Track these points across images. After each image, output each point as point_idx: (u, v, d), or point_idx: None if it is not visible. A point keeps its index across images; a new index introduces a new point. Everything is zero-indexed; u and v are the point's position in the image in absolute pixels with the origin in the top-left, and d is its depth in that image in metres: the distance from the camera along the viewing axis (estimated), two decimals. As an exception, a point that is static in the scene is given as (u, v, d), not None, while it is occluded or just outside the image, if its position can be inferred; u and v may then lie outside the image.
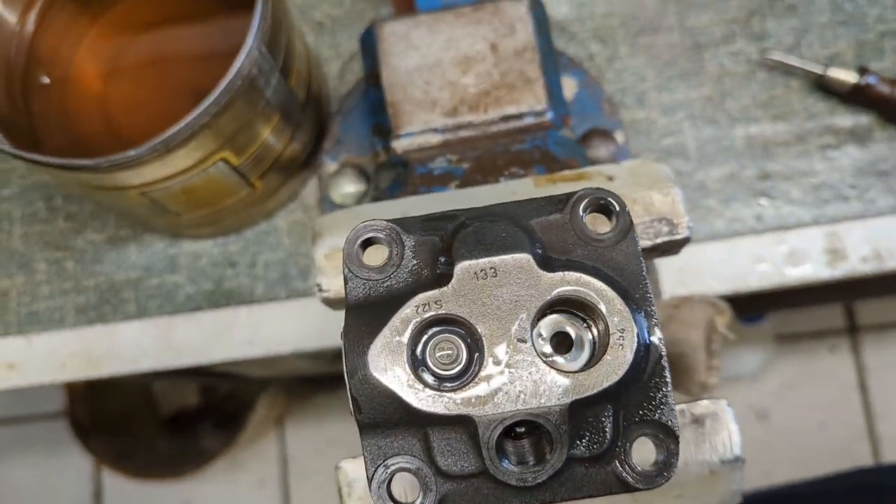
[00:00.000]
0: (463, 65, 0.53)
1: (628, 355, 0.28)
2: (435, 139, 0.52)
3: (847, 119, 0.67)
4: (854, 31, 0.68)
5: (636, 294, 0.30)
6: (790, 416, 1.61)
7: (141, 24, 0.63)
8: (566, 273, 0.29)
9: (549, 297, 0.29)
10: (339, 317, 0.35)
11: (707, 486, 0.39)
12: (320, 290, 0.41)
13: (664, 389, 0.30)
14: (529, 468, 0.28)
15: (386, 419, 0.29)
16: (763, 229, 0.66)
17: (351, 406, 0.29)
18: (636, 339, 0.29)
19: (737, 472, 0.39)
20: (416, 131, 0.52)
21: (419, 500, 0.29)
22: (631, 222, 0.31)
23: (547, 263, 0.30)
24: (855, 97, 0.66)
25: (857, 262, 0.65)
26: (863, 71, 0.65)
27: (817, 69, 0.66)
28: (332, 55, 0.72)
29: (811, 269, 0.65)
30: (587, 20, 0.71)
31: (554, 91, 0.53)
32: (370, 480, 0.29)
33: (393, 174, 0.51)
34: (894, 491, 0.72)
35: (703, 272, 0.65)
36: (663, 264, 0.64)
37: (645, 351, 0.29)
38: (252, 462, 1.73)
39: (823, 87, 0.67)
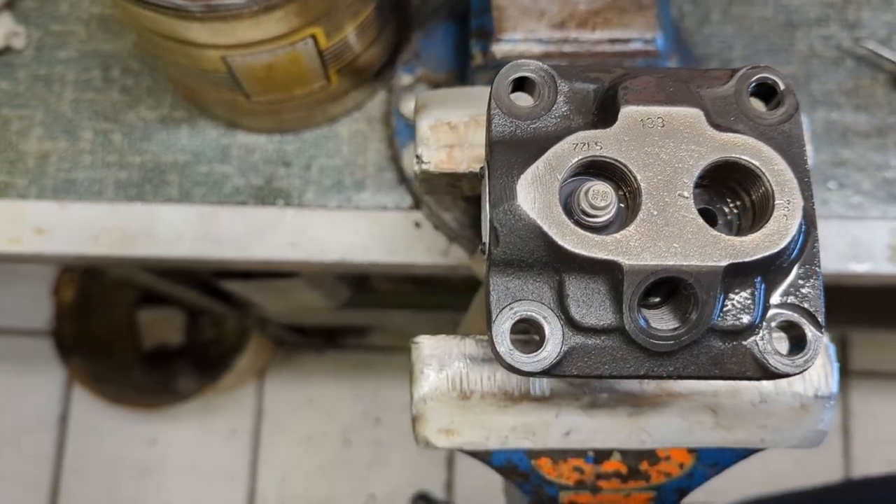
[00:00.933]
0: (577, -20, 0.51)
1: (793, 226, 0.27)
2: (536, 49, 0.50)
3: (929, 119, 0.66)
4: (947, 35, 0.67)
5: (798, 177, 0.29)
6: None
7: None
8: (737, 135, 0.28)
9: (719, 156, 0.27)
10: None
11: (794, 420, 0.37)
12: (420, 161, 0.39)
13: (814, 280, 0.28)
14: (668, 330, 0.27)
15: (523, 258, 0.27)
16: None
17: (488, 239, 0.28)
18: (801, 212, 0.27)
19: (827, 410, 0.37)
20: (518, 38, 0.50)
21: (545, 349, 0.27)
22: (797, 104, 0.30)
23: (717, 126, 0.28)
24: (941, 98, 0.65)
25: (919, 261, 0.63)
26: (954, 72, 0.64)
27: (908, 64, 0.65)
28: (417, -28, 0.70)
29: (872, 264, 0.64)
30: (682, -19, 0.69)
31: (664, 22, 0.51)
32: (491, 323, 0.27)
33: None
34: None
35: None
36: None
37: (804, 233, 0.28)
38: (226, 410, 1.70)
39: (911, 83, 0.66)
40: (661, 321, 0.28)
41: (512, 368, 0.27)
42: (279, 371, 1.73)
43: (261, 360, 1.68)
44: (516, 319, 0.27)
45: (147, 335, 1.75)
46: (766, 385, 0.37)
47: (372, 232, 0.65)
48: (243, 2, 0.46)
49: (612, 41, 0.51)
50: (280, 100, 0.60)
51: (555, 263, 0.27)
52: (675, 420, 0.37)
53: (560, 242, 0.26)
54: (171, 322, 1.75)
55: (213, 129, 0.67)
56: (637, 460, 0.38)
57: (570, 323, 0.27)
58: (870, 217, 0.65)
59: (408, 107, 0.64)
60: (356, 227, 0.65)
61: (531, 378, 0.33)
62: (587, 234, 0.27)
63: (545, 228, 0.26)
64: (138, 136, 0.67)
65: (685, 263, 0.26)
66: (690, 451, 0.39)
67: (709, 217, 0.28)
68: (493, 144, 0.29)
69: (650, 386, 0.37)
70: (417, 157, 0.39)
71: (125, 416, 1.65)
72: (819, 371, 0.37)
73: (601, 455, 0.38)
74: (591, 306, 0.27)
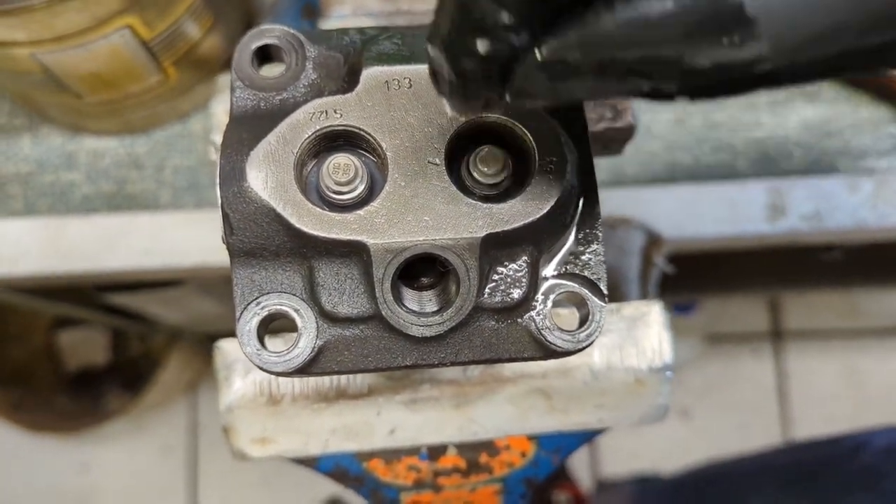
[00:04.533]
0: (405, -52, 0.48)
1: (556, 188, 0.24)
2: (367, 23, 0.47)
3: (799, 74, 0.65)
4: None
5: (572, 130, 0.26)
6: (711, 416, 1.61)
7: None
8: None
9: (467, 118, 0.24)
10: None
11: (631, 396, 0.35)
12: (217, 149, 0.36)
13: (595, 245, 0.26)
14: (430, 314, 0.24)
15: (264, 245, 0.24)
16: (706, 178, 0.63)
17: (223, 225, 0.24)
18: (567, 173, 0.24)
19: (665, 382, 0.35)
20: (347, 13, 0.47)
21: (297, 346, 0.24)
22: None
23: (472, 84, 0.25)
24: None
25: (797, 219, 0.62)
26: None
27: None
28: (269, -43, 0.66)
29: (751, 224, 0.63)
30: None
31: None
32: (237, 320, 0.24)
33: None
34: (833, 465, 0.71)
35: (639, 215, 0.62)
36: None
37: (575, 195, 0.25)
38: (158, 426, 1.65)
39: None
40: (428, 304, 0.25)
41: (263, 370, 0.24)
42: (212, 383, 1.68)
43: (189, 373, 1.62)
44: (264, 315, 0.24)
45: (70, 357, 1.68)
46: (597, 361, 0.34)
47: (234, 232, 0.61)
48: (29, -9, 0.42)
49: (447, 10, 0.48)
50: (117, 99, 0.56)
51: (300, 249, 0.24)
52: (506, 408, 0.35)
53: (297, 225, 0.23)
54: (94, 341, 1.69)
55: (57, 136, 0.63)
56: (475, 453, 0.36)
57: (324, 314, 0.24)
58: (746, 177, 0.63)
59: (260, 97, 0.60)
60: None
61: (339, 375, 0.30)
62: (328, 213, 0.24)
63: (279, 210, 0.23)
64: (-25, 149, 0.62)
65: (437, 238, 0.24)
66: (530, 438, 0.36)
67: (469, 187, 0.26)
68: (231, 121, 0.25)
69: (475, 372, 0.34)
70: (213, 143, 0.36)
71: (52, 444, 1.59)
72: (653, 341, 0.35)
73: (435, 451, 0.35)
74: (345, 294, 0.24)
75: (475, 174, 0.24)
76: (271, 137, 0.24)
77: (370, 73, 0.25)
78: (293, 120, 0.24)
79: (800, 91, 0.64)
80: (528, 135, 0.24)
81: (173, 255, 0.61)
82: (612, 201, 0.62)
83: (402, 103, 0.25)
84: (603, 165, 0.63)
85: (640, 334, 0.35)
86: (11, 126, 0.63)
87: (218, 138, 0.36)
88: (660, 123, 0.64)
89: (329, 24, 0.48)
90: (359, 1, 0.48)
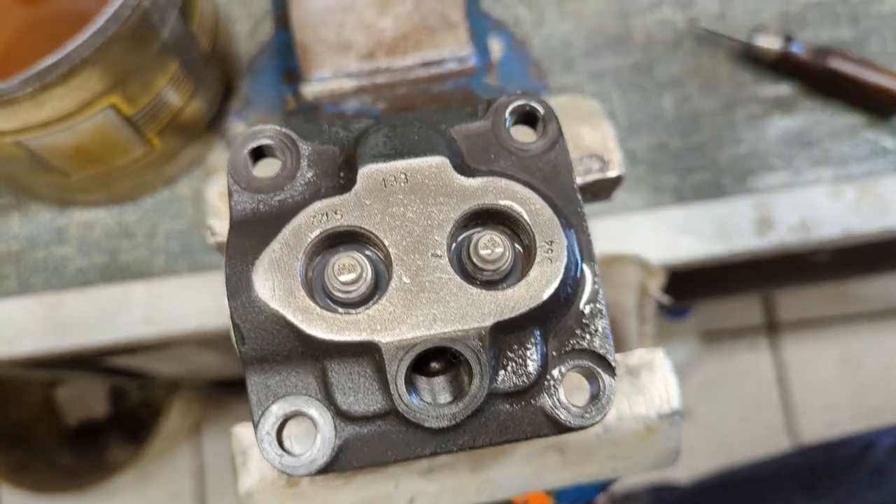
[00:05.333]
0: (380, 6, 0.49)
1: (558, 270, 0.25)
2: (348, 84, 0.48)
3: (772, 89, 0.66)
4: (777, 3, 0.67)
5: (567, 209, 0.26)
6: (713, 413, 1.62)
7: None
8: (488, 179, 0.25)
9: (469, 206, 0.25)
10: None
11: (643, 444, 0.36)
12: (212, 234, 0.36)
13: (600, 317, 0.26)
14: (445, 405, 0.24)
15: (276, 351, 0.25)
16: (693, 198, 0.64)
17: (233, 336, 0.25)
18: (566, 253, 0.25)
19: (675, 427, 0.36)
20: (327, 76, 0.48)
21: (315, 449, 0.24)
22: (560, 130, 0.27)
23: (467, 170, 0.26)
24: (780, 66, 0.65)
25: (785, 231, 0.63)
26: (788, 39, 0.64)
27: (743, 37, 0.65)
28: (243, 14, 0.67)
29: (741, 240, 0.63)
30: (513, -16, 0.68)
31: (478, 37, 0.49)
32: (256, 426, 0.25)
33: (303, 120, 0.47)
34: (844, 466, 0.71)
35: (630, 242, 0.63)
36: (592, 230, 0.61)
37: (577, 270, 0.26)
38: (164, 475, 1.63)
39: (750, 55, 0.66)
40: (442, 393, 0.25)
41: (286, 474, 0.24)
42: (215, 424, 1.67)
43: (191, 418, 1.62)
44: (282, 419, 0.25)
45: (69, 412, 1.67)
46: (608, 414, 0.35)
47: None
48: (14, 86, 0.42)
49: (426, 64, 0.48)
50: (103, 173, 0.57)
51: (313, 352, 0.24)
52: (521, 467, 0.35)
53: (308, 331, 0.24)
54: (92, 394, 1.67)
55: (45, 212, 0.63)
56: (494, 511, 0.36)
57: (340, 413, 0.25)
58: (732, 194, 0.64)
59: (246, 157, 0.61)
60: (213, 290, 0.62)
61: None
62: (337, 315, 0.24)
63: (290, 318, 0.24)
64: (-36, 231, 0.62)
65: (447, 330, 0.24)
66: (548, 492, 0.37)
67: (490, 258, 0.26)
68: (232, 227, 0.26)
69: (488, 435, 0.34)
70: (209, 228, 0.36)
71: (58, 499, 1.57)
72: (659, 388, 0.35)
73: (455, 513, 0.36)
74: (360, 392, 0.25)
75: (476, 261, 0.25)
76: (275, 245, 0.24)
77: (366, 172, 0.25)
78: (295, 225, 0.24)
79: (777, 104, 0.65)
80: (526, 218, 0.25)
81: (172, 322, 0.61)
82: (602, 231, 0.62)
83: (399, 199, 0.25)
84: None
85: (647, 382, 0.35)
86: (-1, 205, 0.63)
87: (213, 222, 0.36)
88: (642, 148, 0.64)
89: (310, 87, 0.48)
90: (338, 62, 0.48)
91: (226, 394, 1.60)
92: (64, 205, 0.62)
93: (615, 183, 0.38)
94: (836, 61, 0.63)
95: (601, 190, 0.39)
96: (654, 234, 0.63)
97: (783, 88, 0.66)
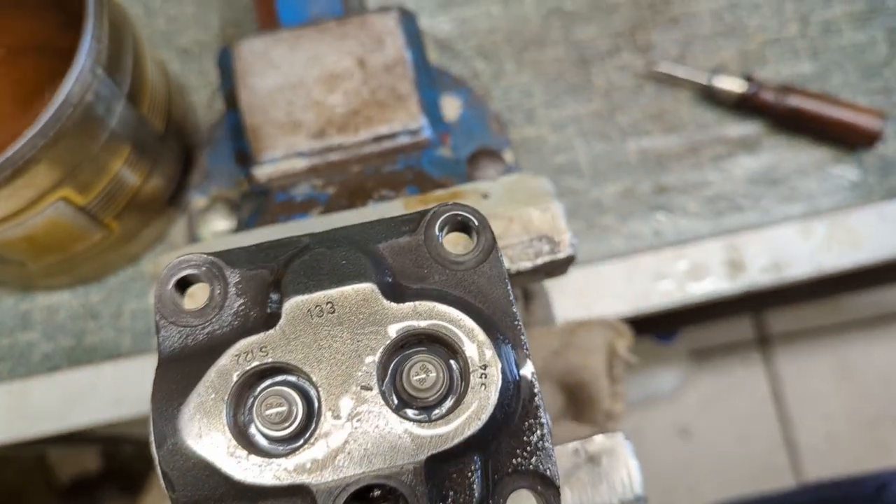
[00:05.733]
0: (329, 83, 0.48)
1: (492, 397, 0.24)
2: (300, 164, 0.47)
3: (736, 129, 0.65)
4: (736, 42, 0.67)
5: (503, 323, 0.26)
6: (711, 432, 1.61)
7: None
8: (418, 303, 0.25)
9: (396, 334, 0.24)
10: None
11: (608, 532, 0.35)
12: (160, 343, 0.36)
13: (539, 432, 0.25)
14: (385, 541, 0.23)
15: (208, 496, 0.24)
16: (662, 245, 0.63)
17: (162, 483, 0.24)
18: (501, 377, 0.24)
19: (639, 513, 0.35)
20: (279, 157, 0.47)
21: None
22: (493, 240, 0.27)
23: (397, 293, 0.25)
24: (743, 106, 0.64)
25: (757, 273, 0.63)
26: (748, 79, 0.64)
27: (703, 79, 0.64)
28: (201, 83, 0.67)
29: (712, 283, 0.63)
30: (470, 37, 0.68)
31: (429, 107, 0.49)
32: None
33: (253, 205, 0.46)
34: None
35: (603, 293, 0.62)
36: (559, 287, 0.60)
37: (514, 389, 0.25)
38: (162, 525, 1.61)
39: (711, 97, 0.65)
40: (383, 524, 0.24)
41: None
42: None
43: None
44: (216, 567, 0.24)
45: (62, 471, 1.64)
46: (570, 503, 0.34)
47: (201, 367, 0.60)
48: (-46, 192, 0.41)
49: (378, 139, 0.48)
50: (62, 259, 0.56)
51: (245, 495, 0.24)
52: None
53: (237, 477, 0.23)
54: (84, 450, 1.65)
55: (7, 297, 0.62)
56: None
57: (277, 557, 0.24)
58: (702, 237, 0.64)
59: (207, 231, 0.60)
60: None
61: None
62: (266, 459, 0.23)
63: (217, 464, 0.23)
64: (-73, 322, 0.61)
65: (381, 466, 0.23)
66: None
67: (423, 385, 0.25)
68: (159, 365, 0.25)
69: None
70: (157, 337, 0.35)
71: (54, 561, 1.54)
72: (621, 474, 0.35)
73: None
74: (296, 533, 0.24)
75: (409, 388, 0.24)
76: (200, 388, 0.24)
77: (292, 304, 0.25)
78: (220, 366, 0.24)
79: (741, 143, 0.65)
80: (458, 343, 0.24)
81: (143, 402, 0.60)
82: (573, 282, 0.62)
83: (326, 331, 0.24)
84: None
85: (608, 469, 0.35)
86: (-39, 293, 0.62)
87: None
88: (609, 196, 0.64)
89: (262, 169, 0.48)
90: (289, 142, 0.48)
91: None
92: (26, 290, 0.61)
93: (566, 262, 0.38)
94: (797, 99, 0.63)
95: (553, 269, 0.38)
96: (626, 283, 0.62)
97: (747, 127, 0.65)
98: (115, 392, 0.60)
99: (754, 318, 1.64)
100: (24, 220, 0.47)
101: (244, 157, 0.49)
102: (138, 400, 0.60)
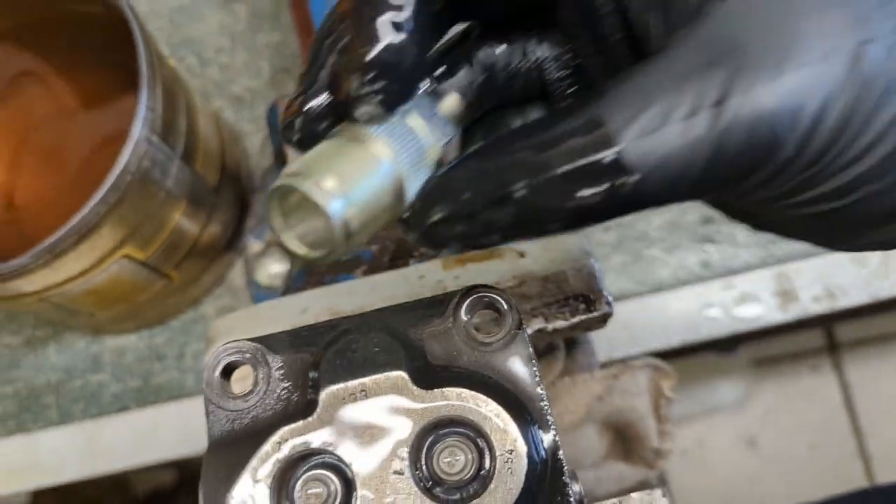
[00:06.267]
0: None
1: (518, 481, 0.25)
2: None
3: (785, 155, 0.65)
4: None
5: (529, 404, 0.27)
6: (779, 442, 1.57)
7: (40, 115, 0.60)
8: (445, 390, 0.26)
9: (427, 421, 0.26)
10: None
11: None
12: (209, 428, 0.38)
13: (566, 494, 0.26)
14: None
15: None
16: (710, 276, 0.63)
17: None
18: (526, 461, 0.25)
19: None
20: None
21: None
22: (520, 322, 0.28)
23: (428, 377, 0.27)
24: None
25: (809, 302, 0.62)
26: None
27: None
28: (253, 129, 0.69)
29: (763, 313, 0.62)
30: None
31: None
32: None
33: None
34: None
35: (651, 325, 0.62)
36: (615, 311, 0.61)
37: (541, 468, 0.26)
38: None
39: (758, 123, 0.65)
40: None
41: None
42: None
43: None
44: None
45: (139, 483, 1.71)
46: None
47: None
48: (25, 261, 0.44)
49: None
50: (127, 309, 0.59)
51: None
52: None
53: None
54: (160, 464, 1.71)
55: (79, 341, 0.66)
56: None
57: None
58: (751, 267, 0.63)
59: (264, 274, 0.62)
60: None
61: None
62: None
63: (265, 551, 0.25)
64: (6, 364, 0.66)
65: (413, 549, 0.25)
66: None
67: (436, 481, 0.26)
68: (208, 450, 0.27)
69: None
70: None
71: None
72: (660, 529, 0.35)
73: None
74: None
75: (438, 472, 0.25)
76: (245, 476, 0.25)
77: (328, 393, 0.26)
78: (263, 453, 0.26)
79: (789, 169, 0.64)
80: (484, 428, 0.25)
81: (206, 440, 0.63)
82: (624, 312, 0.62)
83: (359, 418, 0.26)
84: (610, 279, 0.63)
85: (648, 527, 0.35)
86: (36, 338, 0.66)
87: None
88: (654, 228, 0.64)
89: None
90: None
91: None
92: (96, 334, 0.65)
93: (603, 319, 0.38)
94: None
95: (591, 326, 0.39)
96: (674, 315, 0.62)
97: (795, 153, 0.65)
98: (180, 430, 0.63)
99: (822, 324, 1.60)
100: (90, 278, 0.50)
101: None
102: (200, 436, 0.63)
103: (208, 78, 0.71)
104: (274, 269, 0.62)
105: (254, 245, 0.64)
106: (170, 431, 0.63)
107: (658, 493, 0.36)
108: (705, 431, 1.58)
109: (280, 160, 0.52)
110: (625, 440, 0.53)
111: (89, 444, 0.63)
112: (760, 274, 0.63)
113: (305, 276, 0.45)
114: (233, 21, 0.72)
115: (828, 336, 1.62)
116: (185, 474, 1.73)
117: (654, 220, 0.64)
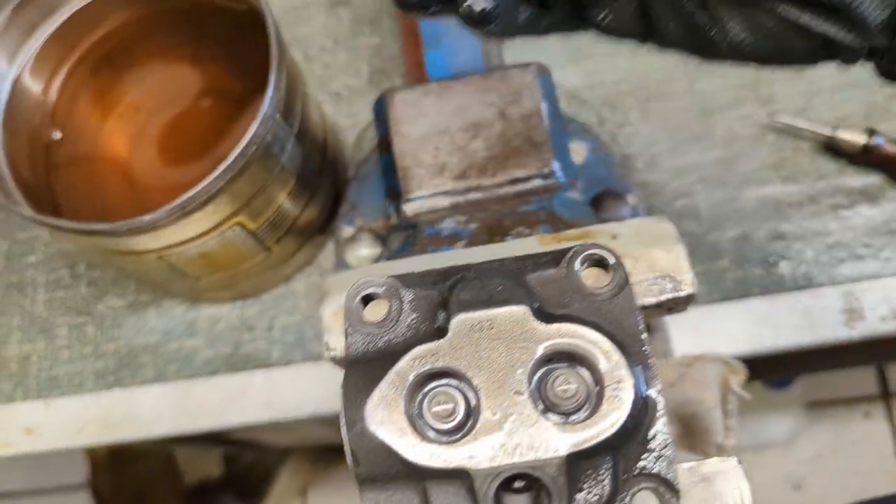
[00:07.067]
0: (471, 130, 0.54)
1: (625, 406, 0.28)
2: (444, 202, 0.53)
3: (857, 179, 0.67)
4: (861, 94, 0.69)
5: (633, 347, 0.30)
6: (826, 486, 1.56)
7: (166, 97, 0.66)
8: (562, 325, 0.30)
9: (543, 350, 0.29)
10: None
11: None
12: (328, 349, 0.42)
13: (663, 441, 0.30)
14: (527, 524, 0.28)
15: (384, 472, 0.29)
16: (778, 290, 0.65)
17: (349, 459, 0.30)
18: (633, 391, 0.29)
19: (749, 534, 0.38)
20: (425, 195, 0.53)
21: (417, 557, 0.29)
22: (626, 276, 0.31)
23: (544, 316, 0.30)
24: (863, 158, 0.66)
25: (876, 321, 0.64)
26: (871, 132, 0.66)
27: (826, 131, 0.67)
28: (349, 124, 0.74)
29: (829, 330, 0.64)
30: (598, 88, 0.72)
31: (560, 154, 0.54)
32: (369, 536, 0.29)
33: (403, 236, 0.53)
34: None
35: (717, 334, 0.65)
36: (676, 325, 0.63)
37: (643, 403, 0.29)
38: (273, 534, 1.70)
39: (832, 148, 0.67)
40: (526, 510, 0.29)
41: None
42: (322, 486, 1.73)
43: (300, 479, 1.68)
44: (389, 532, 0.29)
45: (187, 473, 1.76)
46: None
47: (339, 380, 0.67)
48: (160, 215, 0.49)
49: (513, 181, 0.53)
50: (228, 276, 0.64)
51: (414, 474, 0.29)
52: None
53: (411, 459, 0.28)
54: (208, 454, 1.77)
55: (177, 307, 0.71)
56: None
57: (438, 527, 0.29)
58: (819, 284, 0.65)
59: (353, 257, 0.67)
60: (325, 378, 0.67)
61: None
62: (434, 446, 0.29)
63: (395, 447, 0.28)
64: (109, 325, 0.71)
65: (528, 459, 0.28)
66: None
67: (566, 393, 0.30)
68: (347, 366, 0.31)
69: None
70: (325, 344, 0.42)
71: (175, 558, 1.65)
72: (734, 496, 0.38)
73: None
74: (456, 509, 0.29)
75: (552, 397, 0.29)
76: (382, 385, 0.29)
77: (458, 320, 0.30)
78: (399, 368, 0.29)
79: (862, 194, 0.67)
80: (596, 360, 0.29)
81: (289, 407, 0.67)
82: (688, 321, 0.65)
83: (486, 344, 0.30)
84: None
85: (722, 489, 0.38)
86: (138, 303, 0.71)
87: (329, 339, 0.41)
88: (725, 241, 0.67)
89: (411, 205, 0.54)
90: (435, 182, 0.54)
91: (332, 458, 1.66)
92: (194, 301, 0.70)
93: (687, 300, 0.41)
94: (921, 153, 0.64)
95: (675, 306, 0.42)
96: (740, 325, 0.65)
97: (869, 178, 0.67)
98: (264, 397, 0.68)
99: (878, 371, 1.59)
100: (206, 240, 0.55)
101: (394, 194, 0.55)
102: (284, 404, 0.67)
103: (312, 74, 0.76)
104: (363, 252, 0.67)
105: (345, 230, 0.68)
106: (255, 397, 0.68)
107: (734, 460, 0.38)
108: (751, 467, 1.57)
109: (384, 148, 0.57)
110: (690, 434, 0.56)
111: (180, 403, 0.68)
112: (828, 290, 0.65)
113: (409, 248, 0.49)
114: (336, 23, 0.77)
115: (882, 383, 1.61)
116: (232, 470, 1.78)
117: (725, 233, 0.67)
